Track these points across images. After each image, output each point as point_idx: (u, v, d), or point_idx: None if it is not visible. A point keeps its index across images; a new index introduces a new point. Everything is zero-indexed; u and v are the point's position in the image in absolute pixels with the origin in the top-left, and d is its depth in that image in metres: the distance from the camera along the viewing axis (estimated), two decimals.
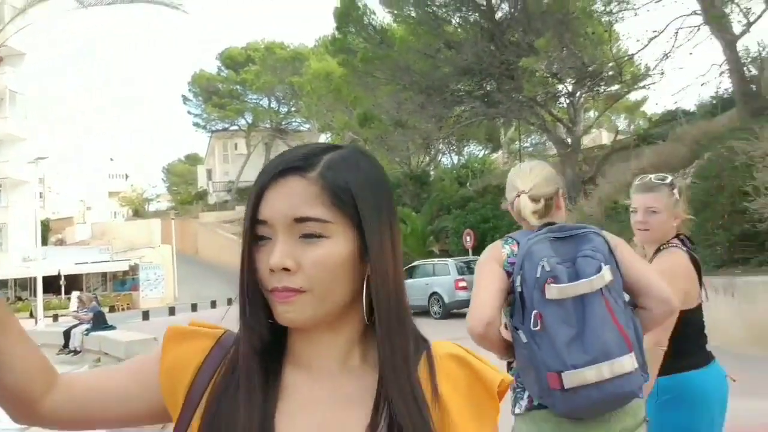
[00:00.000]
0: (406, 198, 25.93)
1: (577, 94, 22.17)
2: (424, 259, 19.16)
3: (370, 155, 0.82)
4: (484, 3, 20.49)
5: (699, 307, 2.33)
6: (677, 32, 13.51)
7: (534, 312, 1.72)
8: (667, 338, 2.12)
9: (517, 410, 1.90)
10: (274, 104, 48.04)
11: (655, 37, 14.70)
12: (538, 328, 1.71)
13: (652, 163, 17.51)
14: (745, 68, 15.34)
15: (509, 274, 1.85)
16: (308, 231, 0.73)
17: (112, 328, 12.20)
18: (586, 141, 32.89)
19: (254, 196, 0.75)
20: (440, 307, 14.73)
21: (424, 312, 15.38)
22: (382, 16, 20.92)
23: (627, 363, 1.69)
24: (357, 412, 0.75)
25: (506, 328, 1.95)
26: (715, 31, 12.99)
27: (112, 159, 73.59)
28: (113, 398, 0.80)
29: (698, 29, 13.88)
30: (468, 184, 29.55)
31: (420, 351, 0.80)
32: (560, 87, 20.71)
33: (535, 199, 1.92)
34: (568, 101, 21.64)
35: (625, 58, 19.36)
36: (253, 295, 0.76)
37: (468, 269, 15.13)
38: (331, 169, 0.75)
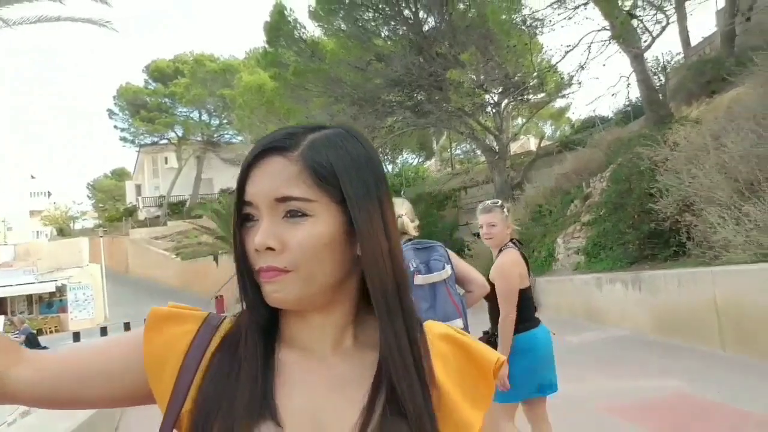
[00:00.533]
0: None
1: (503, 103, 23.17)
2: None
3: (357, 134, 0.81)
4: (411, 17, 21.15)
5: (530, 287, 3.43)
6: (590, 46, 14.48)
7: None
8: (513, 312, 3.22)
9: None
10: (204, 117, 47.30)
11: (570, 50, 15.69)
12: None
13: (573, 168, 18.56)
14: (655, 77, 16.59)
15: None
16: (291, 209, 0.73)
17: (45, 348, 11.91)
18: (515, 147, 34.19)
19: (240, 177, 0.76)
20: None
21: None
22: (312, 30, 21.22)
23: (458, 323, 2.93)
24: (352, 394, 0.75)
25: None
26: (622, 45, 14.02)
27: (33, 177, 70.40)
28: (91, 378, 0.76)
29: (609, 43, 14.90)
30: (402, 192, 30.15)
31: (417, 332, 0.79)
32: (487, 97, 21.55)
33: (412, 220, 3.13)
34: (494, 111, 22.53)
35: (546, 69, 20.44)
36: (249, 275, 0.76)
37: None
38: (313, 148, 0.74)
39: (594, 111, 28.86)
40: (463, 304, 3.06)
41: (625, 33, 13.15)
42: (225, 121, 46.25)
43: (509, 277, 3.27)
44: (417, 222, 3.23)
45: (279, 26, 19.76)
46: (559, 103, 29.99)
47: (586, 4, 13.72)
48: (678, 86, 14.58)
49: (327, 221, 0.73)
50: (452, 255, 3.13)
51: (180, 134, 47.86)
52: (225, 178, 49.52)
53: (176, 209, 47.55)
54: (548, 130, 43.57)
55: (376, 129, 22.29)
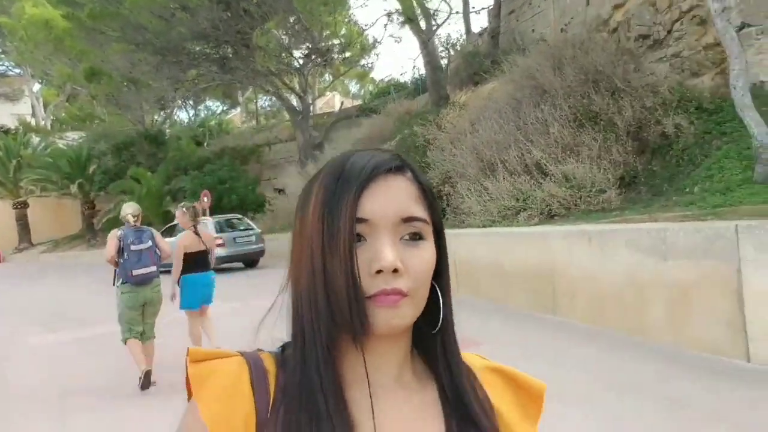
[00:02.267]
0: (141, 158, 25.43)
1: (308, 66, 24.20)
2: (160, 218, 19.51)
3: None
4: None
5: (199, 252, 6.15)
6: (386, 25, 16.09)
7: (126, 253, 5.60)
8: (179, 264, 6.07)
9: (118, 284, 5.72)
10: None
11: (369, 27, 17.22)
12: (126, 257, 5.61)
13: (368, 134, 20.43)
14: (444, 60, 18.82)
15: (120, 240, 5.62)
16: (413, 231, 0.70)
17: None
18: (321, 104, 35.54)
19: (354, 191, 0.69)
20: None
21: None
22: None
23: (154, 269, 5.77)
24: (425, 427, 0.73)
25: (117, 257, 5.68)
26: (412, 29, 15.86)
27: None
28: None
29: (403, 25, 16.67)
30: (205, 144, 29.92)
31: None
32: (292, 60, 22.37)
33: (134, 215, 5.81)
34: (299, 73, 23.46)
35: (355, 38, 21.78)
36: (359, 301, 0.67)
37: (227, 227, 16.10)
38: (418, 173, 0.74)
39: (392, 78, 31.07)
40: (158, 259, 5.85)
41: (412, 18, 14.92)
42: (0, 50, 40.83)
43: (178, 248, 6.08)
44: (139, 215, 5.90)
45: None
46: (364, 62, 31.41)
47: None
48: (454, 72, 16.91)
49: (432, 245, 0.72)
50: (156, 233, 5.93)
51: None
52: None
53: None
54: (353, 88, 45.40)
55: (180, 81, 22.00)
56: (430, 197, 0.73)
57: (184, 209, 6.25)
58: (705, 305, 4.64)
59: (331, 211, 0.69)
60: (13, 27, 28.78)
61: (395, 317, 0.69)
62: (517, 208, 9.34)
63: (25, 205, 27.94)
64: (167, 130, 30.19)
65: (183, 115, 37.71)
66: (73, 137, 31.84)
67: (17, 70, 41.36)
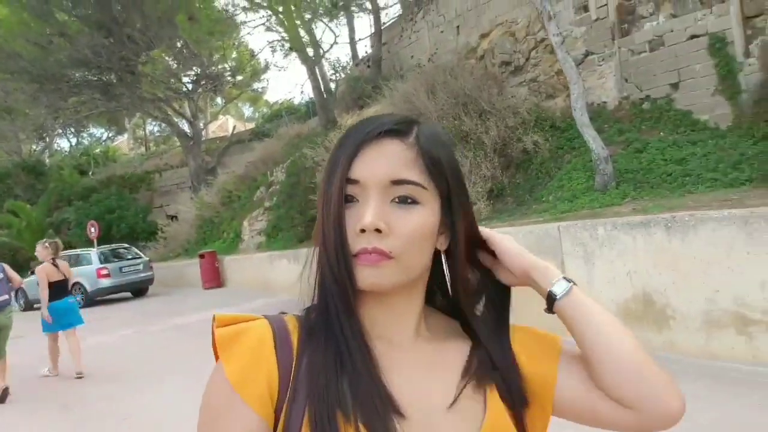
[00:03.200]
0: (19, 190, 24.16)
1: (198, 91, 24.14)
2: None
3: (446, 131, 0.83)
4: None
5: (60, 280, 7.04)
6: (274, 51, 16.59)
7: None
8: (45, 291, 6.87)
9: None
10: None
11: (258, 53, 17.63)
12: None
13: (261, 157, 20.67)
14: (333, 83, 19.50)
15: None
16: (403, 194, 0.71)
17: None
18: (215, 127, 35.16)
19: (348, 153, 0.73)
20: (84, 296, 14.90)
21: None
22: None
23: (6, 297, 6.51)
24: (446, 376, 0.77)
25: None
26: (299, 56, 16.47)
27: None
28: None
29: (289, 51, 17.24)
30: (90, 173, 28.82)
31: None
32: (181, 85, 22.27)
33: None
34: (189, 98, 23.36)
35: (246, 63, 21.96)
36: (346, 257, 0.71)
37: (113, 257, 15.75)
38: (425, 137, 0.74)
39: (280, 103, 31.45)
40: (10, 289, 6.58)
41: (299, 47, 15.54)
42: None
43: (41, 278, 6.85)
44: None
45: None
46: (256, 86, 31.36)
47: (270, 17, 15.71)
48: (341, 97, 17.68)
49: (432, 211, 0.73)
50: (6, 267, 6.63)
51: None
52: None
53: None
54: (247, 111, 45.15)
55: (60, 109, 21.27)
56: (432, 164, 0.73)
57: (46, 244, 7.23)
58: (538, 295, 5.48)
59: (329, 175, 0.74)
60: None
61: (375, 276, 0.70)
62: None
63: None
64: (47, 160, 28.82)
65: (64, 144, 36.05)
66: None
67: None
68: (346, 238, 0.71)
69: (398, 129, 0.74)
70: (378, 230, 0.70)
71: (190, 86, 23.37)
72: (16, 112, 22.79)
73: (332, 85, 19.69)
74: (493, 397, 0.77)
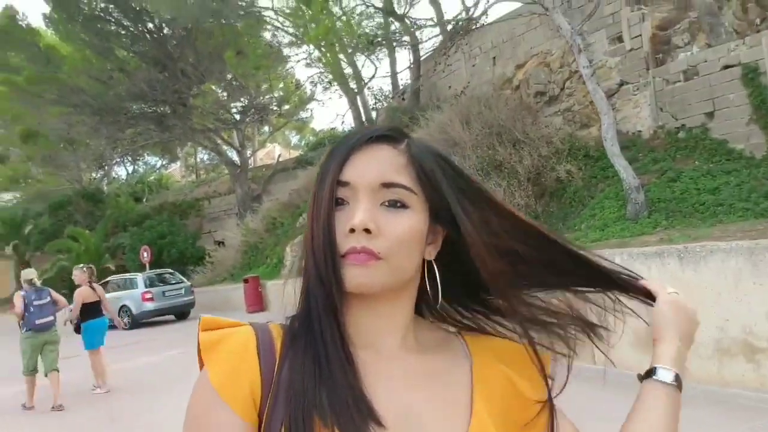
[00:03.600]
0: (79, 216, 25.46)
1: (245, 121, 25.10)
2: (99, 276, 19.66)
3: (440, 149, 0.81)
4: (155, 31, 21.80)
5: (94, 301, 7.80)
6: (315, 85, 17.30)
7: (30, 308, 6.98)
8: (77, 311, 7.69)
9: (23, 331, 7.02)
10: None
11: (304, 84, 18.37)
12: (31, 311, 7.05)
13: (304, 184, 21.28)
14: (374, 112, 20.06)
15: (24, 298, 6.97)
16: (393, 198, 0.73)
17: None
18: (262, 154, 36.26)
19: (340, 157, 0.74)
20: (130, 319, 15.63)
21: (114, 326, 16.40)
22: (48, 34, 20.65)
23: (52, 318, 7.23)
24: (438, 390, 0.76)
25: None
26: (341, 88, 17.10)
27: None
28: None
29: (331, 84, 17.91)
30: (145, 200, 30.12)
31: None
32: (229, 116, 23.24)
33: (33, 280, 7.32)
34: (236, 129, 24.32)
35: (292, 93, 22.80)
36: (333, 258, 0.71)
37: (158, 281, 16.56)
38: (416, 147, 0.76)
39: (327, 131, 32.25)
40: (55, 310, 7.30)
41: (340, 79, 16.15)
42: None
43: (77, 298, 7.60)
44: (35, 276, 7.43)
45: (9, 30, 18.97)
46: (302, 115, 32.16)
47: (312, 52, 16.43)
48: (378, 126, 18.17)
49: (421, 216, 0.74)
50: (51, 291, 7.33)
51: None
52: None
53: None
54: (294, 138, 46.34)
55: (118, 140, 22.48)
56: (422, 171, 0.74)
57: (84, 269, 7.99)
58: None
59: (320, 179, 0.74)
60: None
61: (362, 276, 0.70)
62: None
63: None
64: (105, 188, 30.26)
65: (121, 172, 37.78)
66: (6, 198, 31.43)
67: None
68: (335, 239, 0.71)
69: (390, 135, 0.76)
70: (368, 231, 0.70)
71: (237, 117, 24.34)
72: (78, 143, 24.18)
73: (374, 114, 20.26)
74: (480, 410, 0.75)
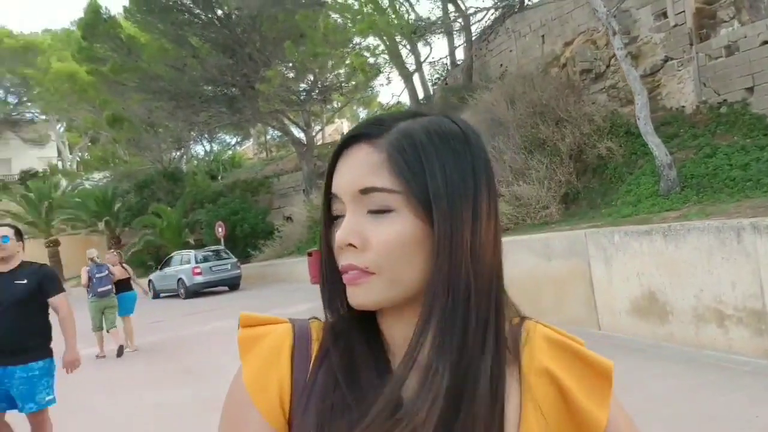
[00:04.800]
0: (161, 194, 27.49)
1: (310, 101, 26.18)
2: (179, 249, 21.53)
3: (459, 120, 0.71)
4: (224, 18, 23.05)
5: (124, 279, 9.86)
6: (371, 68, 18.06)
7: (93, 280, 9.04)
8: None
9: (89, 297, 9.15)
10: (1, 94, 44.17)
11: (370, 57, 18.99)
12: (94, 282, 9.08)
13: None
14: (434, 87, 20.56)
15: (89, 272, 9.07)
16: (374, 203, 0.65)
17: None
18: (330, 130, 37.47)
19: (328, 168, 0.70)
20: (184, 290, 18.34)
21: (175, 295, 19.05)
22: (129, 27, 22.31)
23: (109, 287, 9.21)
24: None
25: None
26: (395, 68, 17.78)
27: None
28: None
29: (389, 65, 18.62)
30: (219, 177, 32.01)
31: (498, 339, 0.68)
32: (294, 98, 24.36)
33: (97, 257, 9.39)
34: (301, 109, 25.46)
35: (356, 75, 23.55)
36: (332, 275, 0.70)
37: (211, 257, 18.80)
38: (401, 135, 0.66)
39: (398, 103, 32.87)
40: (110, 281, 9.17)
41: (396, 61, 16.83)
42: (25, 99, 43.65)
43: (114, 275, 9.36)
44: (96, 255, 9.24)
45: (95, 24, 20.70)
46: (367, 91, 32.85)
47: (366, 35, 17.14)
48: (432, 105, 18.77)
49: (411, 216, 0.65)
50: (109, 266, 9.17)
51: None
52: (27, 158, 46.70)
53: None
54: (362, 113, 47.24)
55: (193, 123, 24.10)
56: (403, 162, 0.65)
57: (114, 253, 10.15)
58: (573, 291, 6.30)
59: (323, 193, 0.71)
60: (38, 78, 31.37)
61: (359, 296, 0.66)
62: None
63: (56, 243, 30.10)
64: (184, 167, 32.33)
65: (199, 149, 40.06)
66: (98, 178, 34.18)
67: (43, 117, 44.17)
68: (333, 257, 0.69)
69: (366, 132, 0.68)
70: (353, 245, 0.65)
71: (302, 97, 25.43)
72: (158, 126, 26.04)
73: (432, 90, 20.79)
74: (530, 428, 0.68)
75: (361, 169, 0.66)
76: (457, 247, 0.65)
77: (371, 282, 0.66)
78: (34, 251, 32.14)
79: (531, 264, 7.02)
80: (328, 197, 0.70)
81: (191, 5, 22.40)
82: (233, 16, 23.26)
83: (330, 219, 0.71)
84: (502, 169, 11.65)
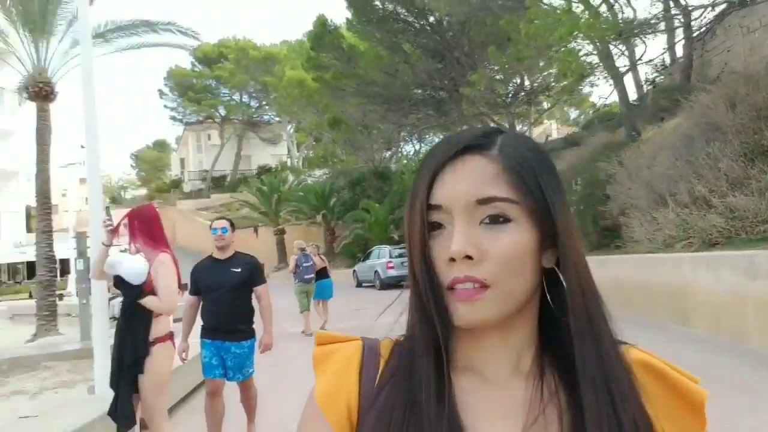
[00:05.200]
0: (370, 191, 29.57)
1: (515, 103, 26.22)
2: (384, 244, 23.14)
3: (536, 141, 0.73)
4: (435, 24, 24.13)
5: (321, 268, 11.55)
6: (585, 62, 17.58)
7: (301, 267, 11.05)
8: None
9: (296, 282, 10.86)
10: (245, 99, 51.07)
11: (585, 55, 18.46)
12: (301, 269, 10.98)
13: (568, 165, 21.61)
14: (648, 87, 19.32)
15: (297, 260, 11.12)
16: (493, 213, 0.65)
17: None
18: (539, 131, 37.01)
19: (428, 178, 0.67)
20: (379, 281, 20.32)
21: (372, 285, 21.05)
22: (349, 38, 24.50)
23: (313, 275, 11.09)
24: (542, 422, 0.67)
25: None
26: (606, 68, 17.10)
27: (82, 146, 74.73)
28: None
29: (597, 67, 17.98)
30: None
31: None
32: (499, 100, 24.63)
33: (303, 247, 11.22)
34: (506, 112, 25.63)
35: (571, 67, 23.12)
36: (435, 291, 0.66)
37: (404, 253, 20.01)
38: (511, 146, 0.68)
39: (592, 112, 31.34)
40: (313, 269, 10.97)
41: (605, 63, 16.24)
42: (264, 103, 49.88)
43: (313, 264, 11.29)
44: (303, 245, 11.03)
45: (321, 35, 23.10)
46: (580, 90, 31.65)
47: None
48: (644, 108, 17.63)
49: (527, 227, 0.65)
50: (313, 256, 11.05)
51: (222, 114, 51.79)
52: (263, 155, 53.43)
53: (218, 183, 51.70)
54: (573, 114, 45.47)
55: (403, 125, 25.63)
56: (521, 174, 0.66)
57: (312, 245, 11.56)
58: None
59: (410, 202, 0.69)
60: (275, 84, 35.69)
61: (471, 313, 0.64)
62: (680, 237, 10.36)
63: (282, 231, 33.96)
64: (393, 166, 34.36)
65: (409, 148, 42.29)
66: (318, 174, 37.88)
67: (277, 119, 50.11)
68: (435, 271, 0.66)
69: (478, 143, 0.67)
70: (469, 257, 0.64)
71: (508, 100, 25.56)
72: (371, 128, 28.14)
73: (645, 90, 19.52)
74: None
75: (479, 179, 0.66)
76: (576, 250, 0.67)
77: (487, 298, 0.64)
78: (266, 239, 36.62)
79: (732, 282, 6.56)
80: (422, 208, 0.67)
81: (406, 14, 23.88)
82: (444, 23, 24.26)
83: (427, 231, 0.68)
84: (716, 177, 10.75)
